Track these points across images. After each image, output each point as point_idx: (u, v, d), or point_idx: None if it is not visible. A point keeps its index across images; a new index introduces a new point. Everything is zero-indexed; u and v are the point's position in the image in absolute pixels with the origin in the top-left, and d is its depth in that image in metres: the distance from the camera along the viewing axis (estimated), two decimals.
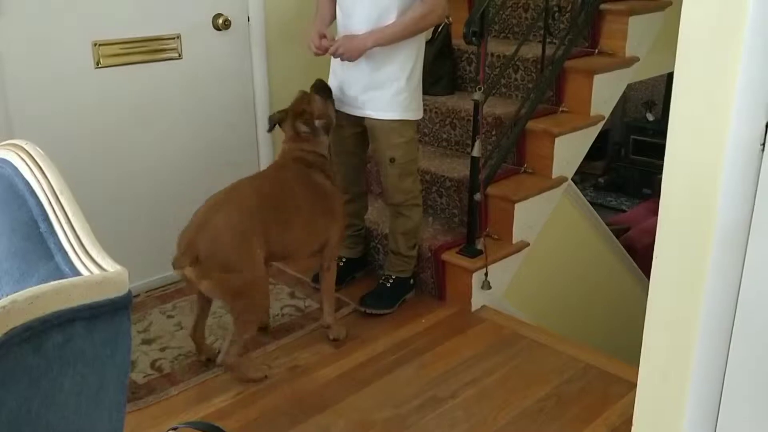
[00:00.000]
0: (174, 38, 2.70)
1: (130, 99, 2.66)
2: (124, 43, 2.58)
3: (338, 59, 2.58)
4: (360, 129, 2.65)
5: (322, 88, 2.49)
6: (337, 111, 2.65)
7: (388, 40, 2.41)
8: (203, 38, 2.79)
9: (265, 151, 3.08)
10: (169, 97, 2.77)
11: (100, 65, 2.54)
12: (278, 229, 2.25)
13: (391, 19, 2.40)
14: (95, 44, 2.50)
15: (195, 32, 2.76)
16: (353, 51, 2.41)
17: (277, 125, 2.49)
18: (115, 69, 2.59)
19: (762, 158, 1.23)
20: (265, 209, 2.24)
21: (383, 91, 2.50)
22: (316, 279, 2.92)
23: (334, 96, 2.62)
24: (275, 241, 2.24)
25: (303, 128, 2.41)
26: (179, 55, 2.73)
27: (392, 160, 2.58)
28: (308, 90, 2.50)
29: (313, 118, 2.41)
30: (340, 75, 2.58)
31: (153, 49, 2.66)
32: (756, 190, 1.25)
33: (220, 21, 2.80)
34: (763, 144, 1.22)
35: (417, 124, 2.65)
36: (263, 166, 2.90)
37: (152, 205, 2.79)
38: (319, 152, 2.45)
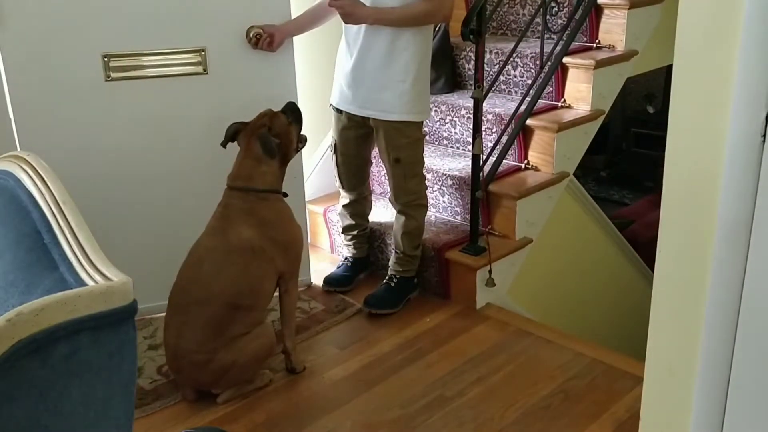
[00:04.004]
0: (198, 52, 2.52)
1: (146, 114, 2.53)
2: (137, 55, 2.46)
3: (342, 62, 2.58)
4: (365, 130, 2.65)
5: (291, 110, 2.36)
6: (342, 112, 2.66)
7: (388, 22, 2.40)
8: (234, 53, 2.56)
9: (300, 178, 2.81)
10: (193, 114, 2.58)
11: (110, 78, 2.45)
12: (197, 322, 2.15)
13: None
14: (105, 56, 2.42)
15: (224, 46, 2.54)
16: (351, 17, 2.39)
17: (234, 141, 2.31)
18: (129, 83, 2.46)
19: (763, 150, 1.23)
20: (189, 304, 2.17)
21: (389, 92, 2.50)
22: (327, 281, 2.93)
23: (340, 96, 2.61)
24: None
25: (257, 145, 2.23)
26: (204, 70, 2.54)
27: (397, 161, 2.59)
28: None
29: (270, 134, 2.23)
30: (345, 76, 2.58)
31: (173, 63, 2.51)
32: (758, 183, 1.24)
33: (253, 34, 2.54)
34: (764, 136, 1.22)
35: (422, 124, 2.65)
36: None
37: (166, 228, 2.64)
38: (265, 186, 2.25)
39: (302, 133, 2.40)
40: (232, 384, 2.22)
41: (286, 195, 2.34)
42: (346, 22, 2.44)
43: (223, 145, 2.30)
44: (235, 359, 2.15)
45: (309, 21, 2.64)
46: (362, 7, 2.38)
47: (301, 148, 2.43)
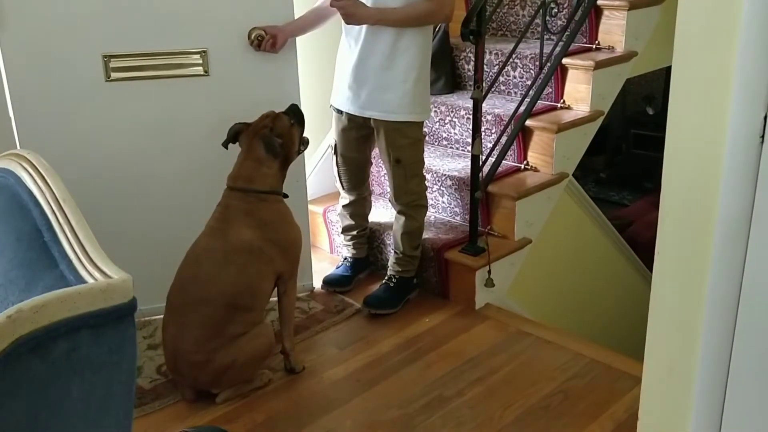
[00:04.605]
0: (199, 53, 2.50)
1: (146, 115, 2.51)
2: (138, 56, 2.44)
3: (343, 63, 2.59)
4: (366, 131, 2.65)
5: (294, 112, 2.36)
6: (342, 112, 2.66)
7: (390, 22, 2.39)
8: (236, 55, 2.53)
9: (302, 181, 2.77)
10: (193, 115, 2.56)
11: (110, 79, 2.44)
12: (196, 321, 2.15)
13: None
14: (105, 57, 2.41)
15: (225, 48, 2.52)
16: (354, 18, 2.38)
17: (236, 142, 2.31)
18: (129, 83, 2.45)
19: (761, 150, 1.23)
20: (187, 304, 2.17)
21: (390, 93, 2.50)
22: (327, 281, 2.93)
23: (341, 96, 2.61)
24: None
25: (259, 146, 2.23)
26: (206, 72, 2.53)
27: (398, 161, 2.59)
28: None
29: (273, 134, 2.24)
30: (347, 77, 2.57)
31: (174, 63, 2.49)
32: (756, 183, 1.25)
33: (255, 36, 2.51)
34: (762, 136, 1.22)
35: (423, 125, 2.65)
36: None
37: (166, 229, 2.63)
38: (265, 188, 2.25)
39: (304, 135, 2.40)
40: (232, 384, 2.22)
41: (286, 196, 2.34)
42: (347, 23, 2.43)
43: (225, 145, 2.30)
44: (234, 359, 2.15)
45: (311, 21, 2.63)
46: (364, 8, 2.38)
47: (303, 150, 2.42)
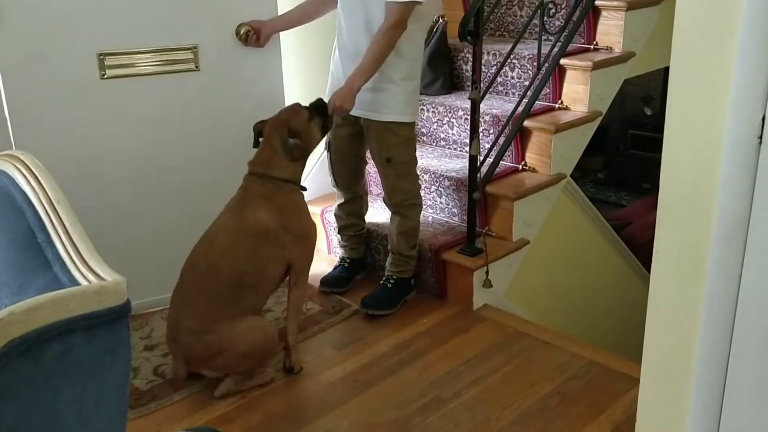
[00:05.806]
0: (190, 49, 2.55)
1: (140, 112, 2.55)
2: (131, 53, 2.48)
3: (337, 60, 2.59)
4: (357, 129, 2.66)
5: (317, 107, 2.39)
6: None
7: (369, 71, 2.41)
8: (224, 50, 2.60)
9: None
10: (185, 111, 2.61)
11: (105, 76, 2.46)
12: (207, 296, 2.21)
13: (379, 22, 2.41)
14: (100, 55, 2.43)
15: (215, 43, 2.59)
16: (346, 100, 2.41)
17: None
18: (123, 80, 2.49)
19: (759, 151, 1.23)
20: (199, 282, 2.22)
21: (380, 93, 2.50)
22: (324, 282, 2.93)
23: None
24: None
25: (276, 140, 2.29)
26: (196, 67, 2.58)
27: (389, 161, 2.59)
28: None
29: (288, 134, 2.28)
30: (338, 76, 2.58)
31: (165, 60, 2.53)
32: (754, 183, 1.24)
33: (244, 32, 2.60)
34: (760, 137, 1.22)
35: (414, 124, 2.65)
36: None
37: (162, 224, 2.65)
38: (282, 175, 2.29)
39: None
40: (225, 369, 2.23)
41: (304, 189, 2.38)
42: (348, 111, 2.44)
43: (255, 145, 2.35)
44: (232, 343, 2.17)
45: (296, 18, 2.68)
46: (344, 88, 2.40)
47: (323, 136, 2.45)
